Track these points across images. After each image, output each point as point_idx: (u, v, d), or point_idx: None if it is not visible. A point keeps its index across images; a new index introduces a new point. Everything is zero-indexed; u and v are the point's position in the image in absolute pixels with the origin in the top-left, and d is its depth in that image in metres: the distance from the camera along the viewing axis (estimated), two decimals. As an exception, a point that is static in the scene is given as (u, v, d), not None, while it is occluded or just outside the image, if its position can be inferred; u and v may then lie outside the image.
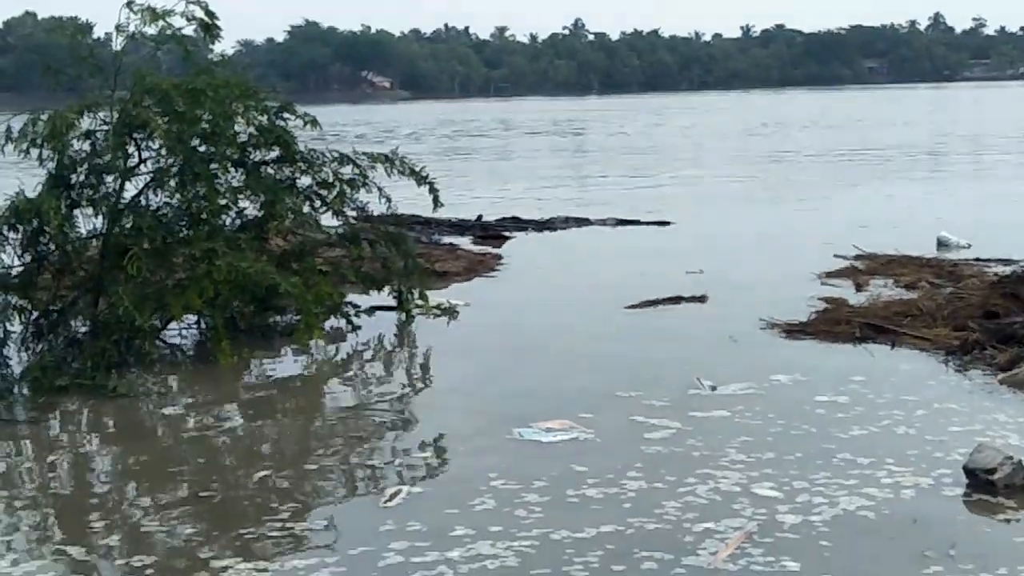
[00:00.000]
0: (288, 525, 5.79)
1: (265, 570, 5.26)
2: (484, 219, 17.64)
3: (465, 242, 15.93)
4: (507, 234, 16.71)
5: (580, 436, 7.05)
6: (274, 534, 5.69)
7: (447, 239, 15.97)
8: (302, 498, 6.24)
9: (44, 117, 9.26)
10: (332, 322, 10.06)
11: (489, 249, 15.26)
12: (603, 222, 17.78)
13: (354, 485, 6.52)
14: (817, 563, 5.15)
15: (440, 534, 5.52)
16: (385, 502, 6.03)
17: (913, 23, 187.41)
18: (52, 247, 9.28)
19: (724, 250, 14.68)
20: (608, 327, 10.39)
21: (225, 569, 5.25)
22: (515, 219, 17.86)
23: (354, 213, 10.44)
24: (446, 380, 8.93)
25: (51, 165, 9.40)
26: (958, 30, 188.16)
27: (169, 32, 9.72)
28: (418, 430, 7.52)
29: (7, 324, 8.85)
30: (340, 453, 7.05)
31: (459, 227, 17.03)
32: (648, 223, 17.44)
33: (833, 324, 9.84)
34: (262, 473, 6.64)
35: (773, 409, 7.47)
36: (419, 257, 13.01)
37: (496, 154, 38.44)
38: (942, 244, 14.23)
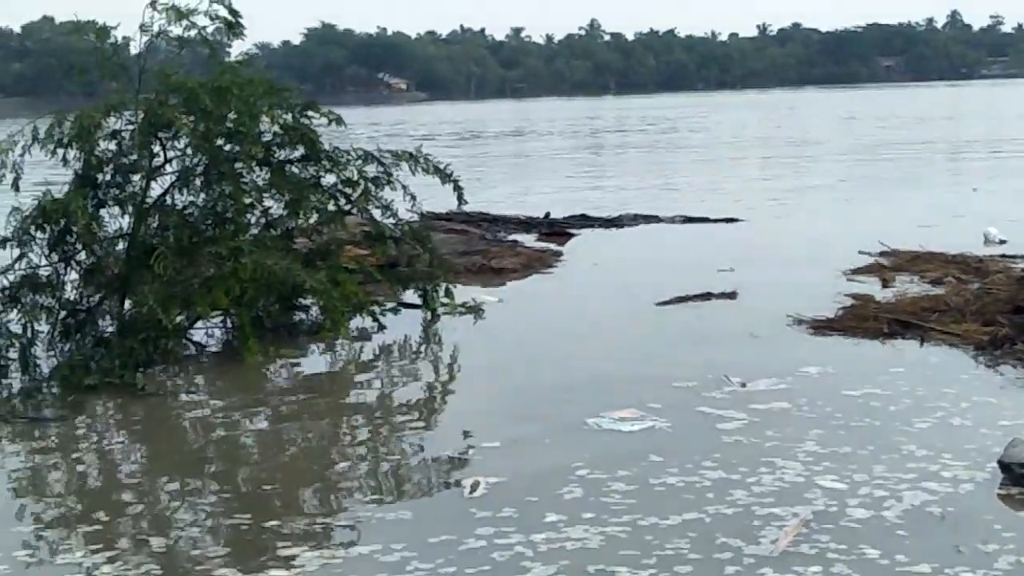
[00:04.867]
0: (356, 516, 5.81)
1: (333, 557, 5.28)
2: (552, 216, 17.61)
3: (530, 239, 15.95)
4: (573, 231, 16.70)
5: (656, 425, 7.07)
6: (342, 524, 5.73)
7: (513, 236, 15.99)
8: (366, 490, 6.25)
9: (71, 118, 9.28)
10: (358, 321, 10.04)
11: (551, 246, 15.24)
12: (671, 219, 17.83)
13: (420, 478, 6.44)
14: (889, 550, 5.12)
15: (528, 521, 5.54)
16: (468, 494, 5.98)
17: (930, 21, 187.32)
18: (79, 246, 9.30)
19: (774, 247, 14.77)
20: (644, 323, 10.39)
21: (294, 557, 5.27)
22: (583, 216, 17.87)
23: (379, 211, 10.42)
24: (490, 375, 8.87)
25: (78, 165, 9.43)
26: (975, 27, 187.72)
27: (193, 32, 9.74)
28: (477, 422, 7.38)
29: (35, 324, 8.85)
30: (395, 447, 7.05)
31: (526, 224, 17.06)
32: (716, 220, 17.43)
33: (860, 320, 9.78)
34: (321, 466, 6.70)
35: (825, 402, 7.44)
36: (476, 254, 13.12)
37: (639, 150, 39.06)
38: (988, 240, 14.21)
